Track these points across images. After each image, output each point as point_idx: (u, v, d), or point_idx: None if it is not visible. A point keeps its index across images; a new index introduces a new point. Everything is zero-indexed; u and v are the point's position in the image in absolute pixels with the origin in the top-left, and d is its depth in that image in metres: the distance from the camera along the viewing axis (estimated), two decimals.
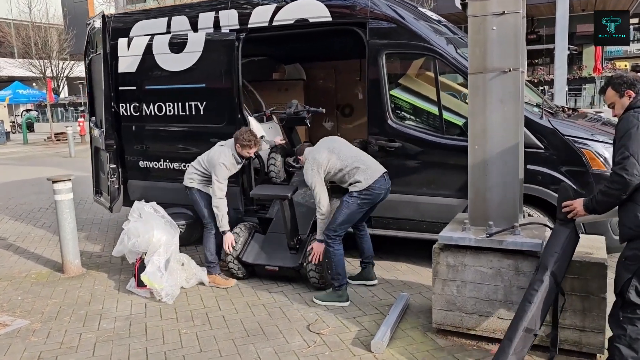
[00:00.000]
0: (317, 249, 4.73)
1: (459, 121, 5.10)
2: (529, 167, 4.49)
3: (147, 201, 6.57)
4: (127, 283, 5.36)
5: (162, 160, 6.41)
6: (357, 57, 6.95)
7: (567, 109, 5.87)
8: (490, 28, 3.58)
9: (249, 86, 7.19)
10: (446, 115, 5.10)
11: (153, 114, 6.34)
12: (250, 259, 5.28)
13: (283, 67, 7.90)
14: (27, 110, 34.81)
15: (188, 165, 6.12)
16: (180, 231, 6.53)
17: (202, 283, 5.33)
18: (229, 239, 5.15)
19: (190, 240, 6.68)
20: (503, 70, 3.57)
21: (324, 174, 4.60)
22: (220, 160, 5.14)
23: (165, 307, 4.81)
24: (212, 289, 5.22)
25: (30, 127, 29.36)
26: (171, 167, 6.36)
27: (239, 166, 5.37)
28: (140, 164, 6.53)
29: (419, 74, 5.62)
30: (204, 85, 6.04)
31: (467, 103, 5.24)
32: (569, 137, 4.69)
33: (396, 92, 5.36)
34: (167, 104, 6.25)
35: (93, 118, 7.01)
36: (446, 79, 5.73)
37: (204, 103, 6.06)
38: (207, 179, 5.28)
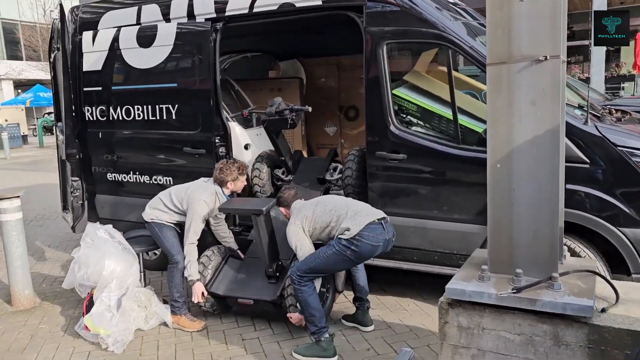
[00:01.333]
0: (295, 319, 3.94)
1: (479, 127, 4.06)
2: (568, 186, 3.42)
3: (116, 220, 5.77)
4: (77, 322, 4.46)
5: (131, 172, 5.51)
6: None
7: (614, 111, 4.75)
8: (517, 0, 2.55)
9: (236, 85, 6.25)
10: (462, 119, 4.06)
11: (121, 118, 5.46)
12: (221, 290, 4.36)
13: (278, 64, 6.94)
14: (49, 113, 34.70)
15: (159, 179, 5.26)
16: (155, 255, 5.71)
17: (165, 324, 4.40)
18: (198, 289, 4.24)
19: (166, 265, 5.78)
20: (536, 58, 2.53)
21: (310, 230, 3.74)
22: (203, 197, 4.27)
23: (111, 358, 3.90)
24: (174, 333, 4.29)
25: (50, 130, 29.09)
26: (141, 180, 5.46)
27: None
28: (108, 176, 5.65)
29: (428, 69, 4.57)
30: (175, 85, 5.13)
31: None
32: (623, 148, 3.60)
33: (400, 92, 4.34)
34: (135, 107, 5.36)
35: (60, 124, 6.17)
36: (462, 74, 4.69)
37: (176, 106, 5.14)
38: (175, 216, 4.43)
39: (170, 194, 4.44)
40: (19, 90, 33.90)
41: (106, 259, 4.31)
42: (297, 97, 6.31)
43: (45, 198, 10.61)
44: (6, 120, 25.19)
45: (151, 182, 5.38)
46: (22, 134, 26.10)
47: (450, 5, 4.55)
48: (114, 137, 5.55)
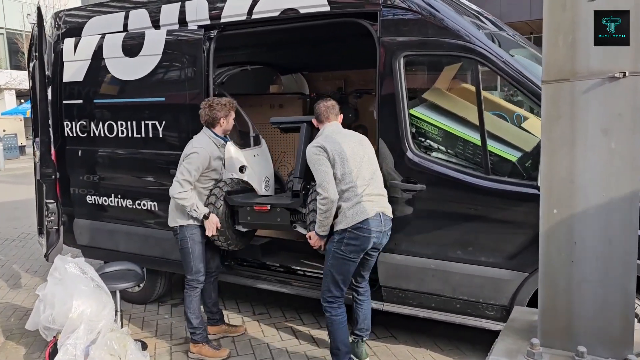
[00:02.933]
0: (313, 239, 3.59)
1: (512, 155, 3.47)
2: None
3: (96, 247, 5.19)
4: None
5: (113, 195, 4.92)
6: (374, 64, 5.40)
7: None
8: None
9: (238, 107, 5.67)
10: (493, 146, 3.47)
11: (103, 135, 4.89)
12: (236, 202, 4.14)
13: (280, 79, 6.38)
14: None
15: (143, 204, 4.68)
16: (138, 286, 5.11)
17: None
18: (213, 221, 3.96)
19: (151, 298, 5.18)
20: (610, 75, 1.95)
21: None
22: (195, 144, 3.93)
23: None
24: None
25: None
26: (124, 204, 4.87)
27: (220, 162, 4.11)
28: (88, 199, 5.06)
29: (452, 87, 4.00)
30: (163, 99, 4.56)
31: (522, 128, 3.66)
32: None
33: (419, 112, 3.76)
34: (119, 122, 4.79)
35: (37, 139, 5.61)
36: (491, 94, 4.12)
37: (163, 123, 4.57)
38: (198, 186, 4.02)
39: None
40: (22, 100, 33.54)
41: (75, 298, 3.71)
42: (300, 114, 5.73)
43: (33, 214, 10.01)
44: (4, 130, 24.72)
45: (135, 206, 4.79)
46: (19, 144, 25.62)
47: (475, 13, 3.99)
48: (95, 155, 4.97)
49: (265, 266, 4.61)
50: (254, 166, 4.90)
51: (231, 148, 4.78)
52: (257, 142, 5.25)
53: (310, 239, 3.58)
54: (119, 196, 4.88)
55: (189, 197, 3.86)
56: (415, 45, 3.61)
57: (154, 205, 4.68)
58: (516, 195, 3.35)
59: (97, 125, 4.90)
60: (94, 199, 5.02)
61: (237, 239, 4.24)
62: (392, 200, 3.66)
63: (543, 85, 2.06)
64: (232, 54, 5.90)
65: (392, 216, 3.53)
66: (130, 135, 4.73)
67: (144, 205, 4.74)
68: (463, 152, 3.60)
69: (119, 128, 4.78)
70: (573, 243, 2.07)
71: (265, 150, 5.30)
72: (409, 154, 3.63)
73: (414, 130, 3.71)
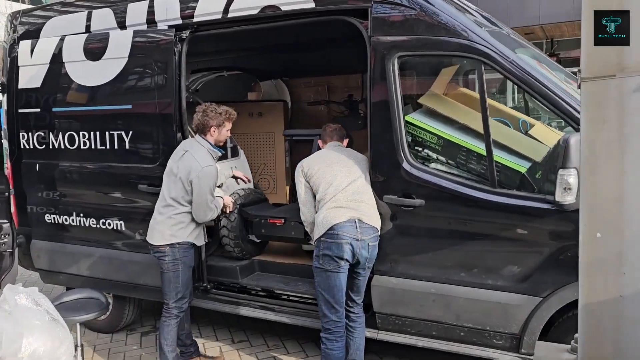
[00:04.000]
0: None
1: (520, 166, 3.12)
2: None
3: (55, 272, 4.69)
4: None
5: (74, 214, 4.44)
6: (361, 69, 5.06)
7: None
8: None
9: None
10: (499, 156, 3.12)
11: (63, 147, 4.40)
12: (252, 211, 4.27)
13: (259, 85, 5.97)
14: None
15: (108, 223, 4.24)
16: (104, 315, 4.62)
17: None
18: (227, 200, 3.93)
19: (119, 326, 4.70)
20: None
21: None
22: (207, 162, 3.55)
23: None
24: None
25: None
26: (86, 224, 4.39)
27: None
28: (47, 218, 4.56)
29: (450, 91, 3.65)
30: (129, 106, 4.12)
31: (530, 135, 3.33)
32: None
33: (415, 118, 3.39)
34: (80, 133, 4.31)
35: None
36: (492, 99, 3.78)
37: (130, 133, 4.12)
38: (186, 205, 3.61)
39: (170, 187, 3.58)
40: None
41: (26, 335, 3.22)
42: (281, 123, 5.32)
43: None
44: None
45: (99, 226, 4.32)
46: None
47: (473, 11, 3.66)
48: (55, 169, 4.48)
49: (246, 290, 4.18)
50: (231, 180, 4.49)
51: None
52: (235, 154, 4.85)
53: None
54: (82, 215, 4.40)
55: (215, 209, 3.67)
56: (411, 44, 3.25)
57: (120, 224, 4.22)
58: (526, 210, 3.00)
59: (56, 136, 4.42)
60: (54, 218, 4.53)
61: (251, 248, 4.33)
62: (384, 217, 3.29)
63: (582, 84, 1.71)
64: (206, 59, 5.50)
65: (377, 226, 3.23)
66: (93, 146, 4.27)
67: (109, 224, 4.27)
68: (465, 162, 3.24)
69: (81, 139, 4.31)
70: (622, 274, 1.71)
71: (244, 162, 4.90)
72: (405, 165, 3.26)
73: (410, 139, 3.34)
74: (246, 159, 4.91)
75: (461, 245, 3.19)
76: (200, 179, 3.44)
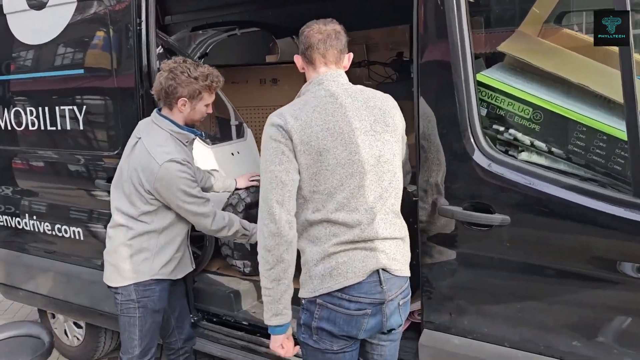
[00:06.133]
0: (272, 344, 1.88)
1: None
2: None
3: (11, 286, 3.70)
4: None
5: (27, 215, 3.40)
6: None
7: None
8: None
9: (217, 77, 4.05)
10: None
11: (9, 127, 3.35)
12: None
13: (276, 45, 4.69)
14: None
15: (64, 229, 3.18)
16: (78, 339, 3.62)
17: None
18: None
19: (94, 357, 3.68)
20: None
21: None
22: (167, 153, 2.28)
23: None
24: None
25: None
26: (40, 229, 3.34)
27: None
28: None
29: (549, 33, 2.24)
30: (81, 71, 2.98)
31: None
32: None
33: (494, 77, 2.04)
34: (27, 109, 3.23)
35: None
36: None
37: (83, 109, 2.98)
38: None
39: (118, 192, 2.41)
40: None
41: None
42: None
43: None
44: None
45: (54, 232, 3.26)
46: None
47: None
48: (2, 157, 3.44)
49: (243, 327, 3.01)
50: (230, 170, 3.29)
51: (195, 145, 3.18)
52: (239, 134, 3.64)
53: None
54: (34, 217, 3.35)
55: (227, 218, 2.43)
56: None
57: (78, 232, 3.14)
58: None
59: (1, 114, 3.36)
60: (6, 219, 3.51)
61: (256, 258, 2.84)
62: (440, 239, 2.01)
63: None
64: (213, 14, 4.32)
65: (407, 274, 1.87)
66: (42, 127, 3.18)
67: (66, 232, 3.20)
68: (585, 153, 1.88)
69: (29, 117, 3.22)
70: None
71: (252, 145, 3.67)
72: (478, 156, 1.94)
73: (484, 112, 2.02)
74: (255, 141, 3.69)
75: (575, 295, 1.87)
76: (162, 186, 2.26)
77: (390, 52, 4.33)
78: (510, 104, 1.98)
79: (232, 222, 2.43)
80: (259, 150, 3.64)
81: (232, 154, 3.42)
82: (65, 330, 3.71)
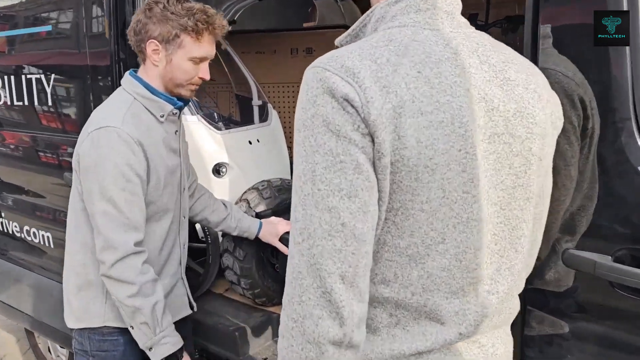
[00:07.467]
0: None
1: None
2: None
3: None
4: None
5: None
6: None
7: None
8: None
9: (230, 50, 3.21)
10: None
11: None
12: None
13: (315, 10, 3.84)
14: None
15: (32, 232, 2.53)
16: None
17: None
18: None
19: None
20: None
21: None
22: (108, 122, 1.48)
23: None
24: None
25: None
26: (9, 229, 2.68)
27: (176, 159, 1.67)
28: None
29: None
30: (48, 27, 2.25)
31: None
32: None
33: None
34: None
35: None
36: None
37: (52, 78, 2.26)
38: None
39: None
40: None
41: None
42: None
43: None
44: None
45: (23, 235, 2.59)
46: None
47: None
48: None
49: None
50: (246, 164, 2.51)
51: (199, 129, 2.42)
52: (263, 117, 2.85)
53: None
54: (2, 215, 2.69)
55: (151, 289, 1.51)
56: None
57: (47, 237, 2.44)
58: None
59: None
60: None
61: (276, 288, 2.20)
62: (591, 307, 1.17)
63: None
64: None
65: None
66: (9, 100, 2.49)
67: (35, 235, 2.51)
68: None
69: None
70: None
71: (277, 131, 2.86)
72: None
73: None
74: (281, 127, 2.88)
75: None
76: (83, 169, 1.49)
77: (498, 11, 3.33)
78: None
79: (153, 301, 1.49)
80: (287, 137, 2.93)
81: (250, 142, 2.62)
82: (48, 348, 3.10)
